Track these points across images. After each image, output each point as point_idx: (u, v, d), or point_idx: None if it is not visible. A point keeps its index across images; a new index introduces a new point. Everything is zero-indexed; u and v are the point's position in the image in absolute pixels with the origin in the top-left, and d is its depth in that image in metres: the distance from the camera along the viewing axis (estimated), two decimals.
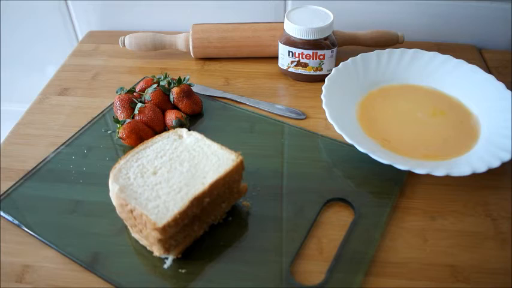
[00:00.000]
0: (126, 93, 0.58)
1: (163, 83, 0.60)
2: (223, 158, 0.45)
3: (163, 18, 0.81)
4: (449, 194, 0.50)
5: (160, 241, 0.41)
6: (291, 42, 0.64)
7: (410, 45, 0.67)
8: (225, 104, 0.63)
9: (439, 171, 0.48)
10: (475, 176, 0.49)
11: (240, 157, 0.45)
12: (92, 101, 0.65)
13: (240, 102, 0.64)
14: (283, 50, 0.66)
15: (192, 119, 0.60)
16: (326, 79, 0.60)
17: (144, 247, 0.45)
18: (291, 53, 0.65)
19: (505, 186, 0.51)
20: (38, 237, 0.46)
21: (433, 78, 0.63)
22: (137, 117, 0.56)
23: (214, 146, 0.47)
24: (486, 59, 0.73)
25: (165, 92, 0.60)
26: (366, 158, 0.51)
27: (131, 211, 0.41)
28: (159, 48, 0.73)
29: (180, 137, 0.48)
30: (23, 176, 0.53)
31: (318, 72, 0.66)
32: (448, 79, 0.63)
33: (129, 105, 0.57)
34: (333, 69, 0.62)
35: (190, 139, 0.48)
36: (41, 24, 0.84)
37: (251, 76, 0.70)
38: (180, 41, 0.71)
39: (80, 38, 0.85)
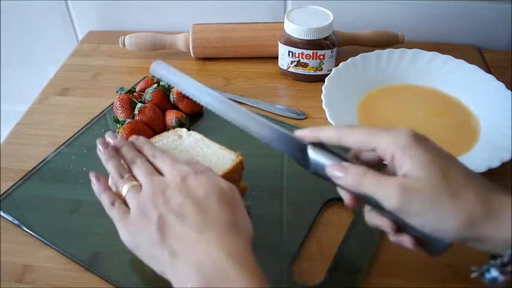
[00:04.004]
0: (126, 93, 0.58)
1: (163, 83, 0.60)
2: (223, 158, 0.45)
3: (163, 18, 0.81)
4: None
5: None
6: (291, 42, 0.64)
7: (410, 45, 0.67)
8: None
9: None
10: None
11: (240, 157, 0.45)
12: (92, 101, 0.65)
13: (240, 102, 0.64)
14: (283, 50, 0.66)
15: (192, 119, 0.60)
16: (326, 79, 0.60)
17: None
18: (291, 53, 0.65)
19: (505, 186, 0.51)
20: (38, 237, 0.46)
21: (433, 78, 0.63)
22: (137, 117, 0.56)
23: (214, 146, 0.47)
24: (486, 59, 0.73)
25: (165, 92, 0.60)
26: None
27: None
28: (159, 48, 0.73)
29: (180, 137, 0.48)
30: (23, 176, 0.53)
31: (318, 72, 0.66)
32: (448, 79, 0.63)
33: (129, 105, 0.57)
34: (333, 69, 0.62)
35: (190, 139, 0.48)
36: (41, 24, 0.84)
37: (251, 76, 0.70)
38: (180, 41, 0.71)
39: (80, 38, 0.85)
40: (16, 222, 0.48)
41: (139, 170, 0.40)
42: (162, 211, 0.36)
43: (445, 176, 0.32)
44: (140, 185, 0.39)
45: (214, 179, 0.39)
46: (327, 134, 0.38)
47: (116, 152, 0.43)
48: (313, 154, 0.38)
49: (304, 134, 0.39)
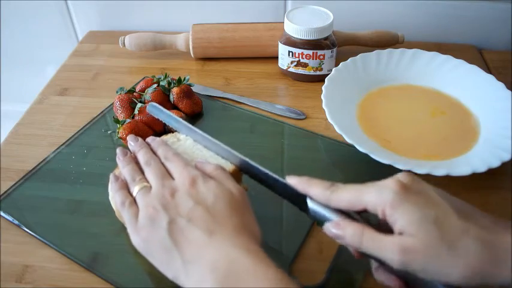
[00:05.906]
0: (126, 93, 0.58)
1: (163, 83, 0.60)
2: (223, 160, 0.45)
3: (163, 18, 0.81)
4: (450, 194, 0.50)
5: None
6: (291, 42, 0.64)
7: (410, 45, 0.67)
8: (225, 104, 0.63)
9: (439, 171, 0.48)
10: (475, 176, 0.49)
11: None
12: (92, 101, 0.65)
13: (240, 102, 0.64)
14: (283, 50, 0.66)
15: (192, 119, 0.60)
16: (326, 79, 0.60)
17: None
18: (291, 53, 0.65)
19: (505, 186, 0.51)
20: (38, 237, 0.46)
21: (433, 78, 0.63)
22: (137, 117, 0.56)
23: None
24: (486, 59, 0.73)
25: (165, 92, 0.60)
26: (366, 158, 0.51)
27: None
28: (159, 48, 0.73)
29: (179, 139, 0.48)
30: (23, 176, 0.53)
31: (318, 72, 0.66)
32: (448, 79, 0.63)
33: (129, 105, 0.57)
34: (333, 69, 0.62)
35: (189, 141, 0.47)
36: (41, 24, 0.84)
37: (251, 76, 0.70)
38: (180, 41, 0.71)
39: (80, 38, 0.85)
40: (16, 222, 0.48)
41: (151, 173, 0.41)
42: (172, 215, 0.37)
43: (440, 228, 0.32)
44: (151, 187, 0.40)
45: (224, 183, 0.39)
46: (315, 194, 0.37)
47: (133, 157, 0.44)
48: (312, 205, 0.38)
49: (294, 183, 0.39)
